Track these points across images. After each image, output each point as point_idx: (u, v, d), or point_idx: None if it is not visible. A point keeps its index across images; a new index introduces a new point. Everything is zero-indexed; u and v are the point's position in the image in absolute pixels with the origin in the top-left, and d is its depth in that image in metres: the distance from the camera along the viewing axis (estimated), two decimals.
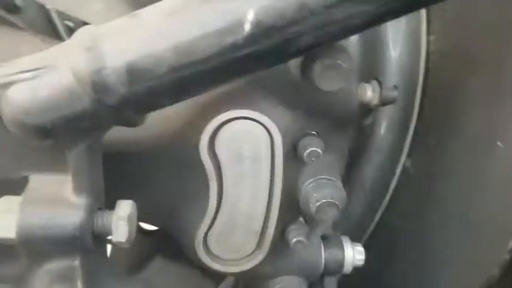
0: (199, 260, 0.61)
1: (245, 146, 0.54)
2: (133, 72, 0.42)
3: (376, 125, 0.72)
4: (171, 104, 0.46)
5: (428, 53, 0.68)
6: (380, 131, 0.73)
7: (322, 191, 0.55)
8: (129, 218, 0.48)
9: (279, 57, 0.44)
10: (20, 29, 0.57)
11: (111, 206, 0.51)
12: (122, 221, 0.47)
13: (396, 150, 0.72)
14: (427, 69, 0.68)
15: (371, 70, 0.70)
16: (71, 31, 0.61)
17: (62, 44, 0.45)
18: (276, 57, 0.43)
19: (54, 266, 0.52)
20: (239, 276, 0.72)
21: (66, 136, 0.44)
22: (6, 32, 0.58)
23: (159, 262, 0.79)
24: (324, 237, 0.65)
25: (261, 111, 0.53)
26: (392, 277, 0.78)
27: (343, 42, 0.48)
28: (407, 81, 0.69)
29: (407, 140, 0.72)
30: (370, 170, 0.74)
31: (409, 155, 0.72)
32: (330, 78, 0.47)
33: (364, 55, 0.69)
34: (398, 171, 0.74)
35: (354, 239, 0.67)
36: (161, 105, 0.45)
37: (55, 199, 0.47)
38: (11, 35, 0.58)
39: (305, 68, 0.49)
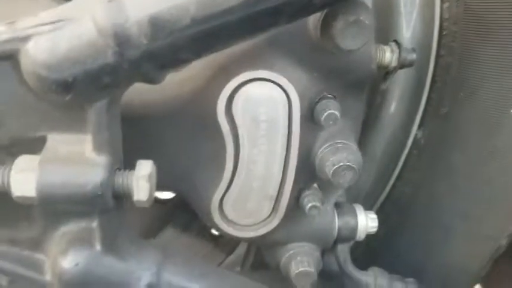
0: (215, 225, 0.61)
1: (262, 109, 0.54)
2: (155, 25, 0.41)
3: (388, 95, 0.72)
4: (192, 59, 0.45)
5: (441, 21, 0.67)
6: (392, 102, 0.72)
7: (339, 155, 0.55)
8: (150, 177, 0.48)
9: (304, 9, 0.44)
10: None
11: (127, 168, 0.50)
12: (142, 180, 0.47)
13: (408, 121, 0.72)
14: (440, 37, 0.68)
15: (384, 38, 0.69)
16: None
17: None
18: (301, 8, 0.43)
19: (70, 228, 0.52)
20: (253, 242, 0.72)
21: (87, 91, 0.44)
22: None
23: (170, 232, 0.80)
24: (337, 205, 0.65)
25: (279, 73, 0.53)
26: (400, 247, 0.79)
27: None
28: (421, 50, 0.68)
29: (419, 111, 0.72)
30: (381, 141, 0.74)
31: (420, 126, 0.72)
32: (352, 36, 0.47)
33: (378, 22, 0.69)
34: (409, 142, 0.74)
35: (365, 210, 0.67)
36: (182, 61, 0.45)
37: (75, 158, 0.47)
38: None
39: (326, 26, 0.48)
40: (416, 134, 0.73)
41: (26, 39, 0.43)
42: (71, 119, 0.47)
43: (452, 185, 0.71)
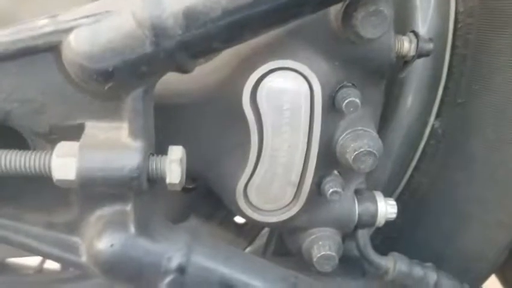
0: (239, 211, 0.64)
1: (285, 97, 0.57)
2: (190, 16, 0.44)
3: (405, 87, 0.73)
4: (223, 48, 0.48)
5: (457, 13, 0.69)
6: (409, 93, 0.74)
7: (360, 141, 0.57)
8: (181, 161, 0.50)
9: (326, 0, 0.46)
10: None
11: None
12: (175, 164, 0.50)
13: (425, 111, 0.74)
14: (455, 29, 0.69)
15: (402, 31, 0.71)
16: None
17: None
18: None
19: (106, 211, 0.55)
20: (276, 227, 0.74)
21: (125, 80, 0.47)
22: None
23: (193, 222, 0.82)
24: (357, 192, 0.67)
25: (302, 62, 0.55)
26: (418, 236, 0.80)
27: None
28: (437, 41, 0.70)
29: (436, 101, 0.74)
30: (399, 131, 0.75)
31: (437, 116, 0.74)
32: (373, 25, 0.49)
33: (395, 15, 0.71)
34: (426, 132, 0.76)
35: None
36: (214, 50, 0.48)
37: (112, 143, 0.50)
38: None
39: (347, 16, 0.51)
40: (433, 124, 0.74)
41: (67, 31, 0.46)
42: (108, 107, 0.50)
43: (469, 173, 0.72)
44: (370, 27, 0.49)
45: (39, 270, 0.95)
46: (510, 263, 0.78)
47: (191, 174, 0.59)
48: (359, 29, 0.50)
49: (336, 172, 0.64)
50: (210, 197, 0.82)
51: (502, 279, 0.89)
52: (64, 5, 0.58)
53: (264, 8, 0.44)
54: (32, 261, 0.94)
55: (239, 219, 0.85)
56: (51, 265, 0.89)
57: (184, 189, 0.77)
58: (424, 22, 0.70)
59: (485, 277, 0.79)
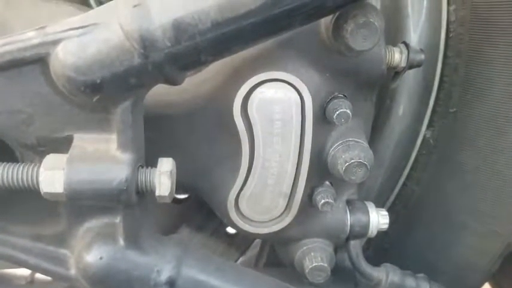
0: (231, 222, 0.63)
1: (276, 108, 0.56)
2: (178, 29, 0.44)
3: (397, 97, 0.73)
4: (212, 61, 0.48)
5: (448, 23, 0.69)
6: (401, 103, 0.74)
7: (351, 152, 0.57)
8: (171, 174, 0.50)
9: (316, 12, 0.46)
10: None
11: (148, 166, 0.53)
12: (164, 176, 0.49)
13: (417, 121, 0.74)
14: (447, 38, 0.69)
15: (393, 40, 0.71)
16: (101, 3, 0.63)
17: (109, 3, 0.47)
18: (314, 11, 0.45)
19: (94, 224, 0.54)
20: (268, 239, 0.74)
21: (114, 92, 0.46)
22: (44, 2, 0.60)
23: (185, 232, 0.81)
24: (349, 202, 0.67)
25: (292, 74, 0.55)
26: (411, 246, 0.80)
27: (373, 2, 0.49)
28: (428, 51, 0.70)
29: (428, 111, 0.74)
30: (391, 141, 0.75)
31: (429, 126, 0.74)
32: (363, 37, 0.49)
33: (386, 25, 0.71)
34: (418, 142, 0.76)
35: None
36: (203, 62, 0.47)
37: (100, 155, 0.49)
38: (48, 5, 0.60)
39: (337, 28, 0.51)
40: (425, 134, 0.74)
41: (55, 43, 0.46)
42: (96, 119, 0.50)
43: (461, 183, 0.72)
44: (361, 39, 0.49)
45: (31, 280, 0.93)
46: (504, 272, 0.78)
47: (182, 185, 0.59)
48: (349, 41, 0.50)
49: (327, 183, 0.64)
50: (201, 207, 0.81)
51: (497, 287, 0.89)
52: (54, 15, 0.58)
53: (254, 20, 0.44)
54: (23, 271, 0.93)
55: (231, 230, 0.85)
56: (43, 275, 0.87)
57: (176, 201, 0.76)
58: (415, 31, 0.71)
59: (478, 287, 0.79)
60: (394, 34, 0.70)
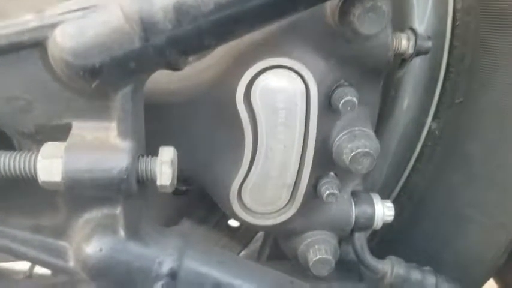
0: (234, 213, 0.62)
1: (280, 97, 0.55)
2: (180, 10, 0.42)
3: (402, 87, 0.72)
4: (215, 45, 0.47)
5: (454, 11, 0.68)
6: (406, 94, 0.73)
7: (357, 142, 0.56)
8: (172, 163, 0.48)
9: None
10: None
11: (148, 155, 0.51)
12: (165, 165, 0.48)
13: (422, 112, 0.73)
14: (453, 27, 0.68)
15: (399, 29, 0.70)
16: None
17: None
18: None
19: (94, 215, 0.53)
20: (271, 231, 0.73)
21: (113, 77, 0.45)
22: None
23: (187, 225, 0.80)
24: (354, 194, 0.66)
25: (297, 60, 0.54)
26: (416, 238, 0.79)
27: None
28: (435, 40, 0.69)
29: (434, 102, 0.73)
30: (396, 133, 0.74)
31: (434, 117, 0.73)
32: (370, 21, 0.48)
33: (392, 13, 0.69)
34: (424, 133, 0.75)
35: None
36: (206, 46, 0.46)
37: (100, 144, 0.48)
38: None
39: (343, 12, 0.49)
40: (430, 125, 0.73)
41: (53, 26, 0.44)
42: (95, 106, 0.48)
43: (467, 174, 0.71)
44: (368, 23, 0.48)
45: (29, 275, 0.92)
46: (509, 266, 0.77)
47: (183, 175, 0.57)
48: (356, 25, 0.48)
49: (332, 174, 0.63)
50: (203, 199, 0.80)
51: (501, 283, 0.88)
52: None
53: (258, 2, 0.43)
54: (22, 265, 0.92)
55: (233, 223, 0.84)
56: (42, 270, 0.87)
57: (177, 192, 0.75)
58: (421, 20, 0.69)
59: (483, 280, 0.78)
60: (400, 22, 0.69)
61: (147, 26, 0.42)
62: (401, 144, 0.75)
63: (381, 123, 0.73)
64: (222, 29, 0.44)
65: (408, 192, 0.77)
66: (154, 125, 0.53)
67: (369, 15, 0.48)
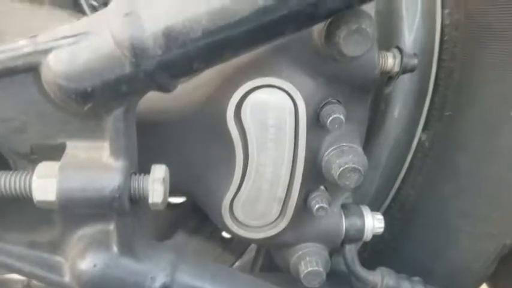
0: (226, 227, 0.63)
1: (270, 114, 0.56)
2: (169, 37, 0.44)
3: (392, 100, 0.73)
4: (204, 68, 0.48)
5: (443, 26, 0.69)
6: (396, 106, 0.74)
7: (345, 157, 0.57)
8: (164, 181, 0.50)
9: (309, 19, 0.46)
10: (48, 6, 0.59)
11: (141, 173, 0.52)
12: (157, 183, 0.49)
13: (412, 124, 0.74)
14: (441, 42, 0.69)
15: (387, 44, 0.71)
16: (94, 10, 0.63)
17: (100, 12, 0.47)
18: (306, 19, 0.45)
19: (88, 231, 0.54)
20: (263, 244, 0.74)
21: (105, 100, 0.46)
22: (37, 10, 0.60)
23: (181, 236, 0.81)
24: (344, 207, 0.67)
25: (286, 79, 0.55)
26: (406, 250, 0.80)
27: (366, 8, 0.49)
28: (423, 55, 0.70)
29: (423, 114, 0.74)
30: (386, 145, 0.75)
31: (424, 129, 0.74)
32: (355, 43, 0.49)
33: (380, 29, 0.71)
34: (414, 145, 0.76)
35: None
36: (195, 70, 0.47)
37: (93, 163, 0.49)
38: (41, 12, 0.60)
39: (329, 34, 0.51)
40: (420, 137, 0.74)
41: (47, 52, 0.46)
42: (88, 127, 0.50)
43: (457, 185, 0.72)
44: (353, 45, 0.49)
45: (27, 284, 0.93)
46: (501, 273, 0.78)
47: (176, 191, 0.59)
48: (342, 47, 0.50)
49: (322, 187, 0.64)
50: (197, 210, 0.81)
51: None
52: (47, 23, 0.58)
53: (245, 28, 0.44)
54: (20, 276, 0.93)
55: (227, 234, 0.85)
56: None
57: (171, 205, 0.76)
58: (410, 35, 0.70)
59: None
60: (388, 38, 0.70)
61: (137, 52, 0.44)
62: (392, 156, 0.76)
63: (371, 136, 0.74)
64: (211, 53, 0.46)
65: (399, 203, 0.78)
66: (147, 143, 0.54)
67: (354, 37, 0.49)
